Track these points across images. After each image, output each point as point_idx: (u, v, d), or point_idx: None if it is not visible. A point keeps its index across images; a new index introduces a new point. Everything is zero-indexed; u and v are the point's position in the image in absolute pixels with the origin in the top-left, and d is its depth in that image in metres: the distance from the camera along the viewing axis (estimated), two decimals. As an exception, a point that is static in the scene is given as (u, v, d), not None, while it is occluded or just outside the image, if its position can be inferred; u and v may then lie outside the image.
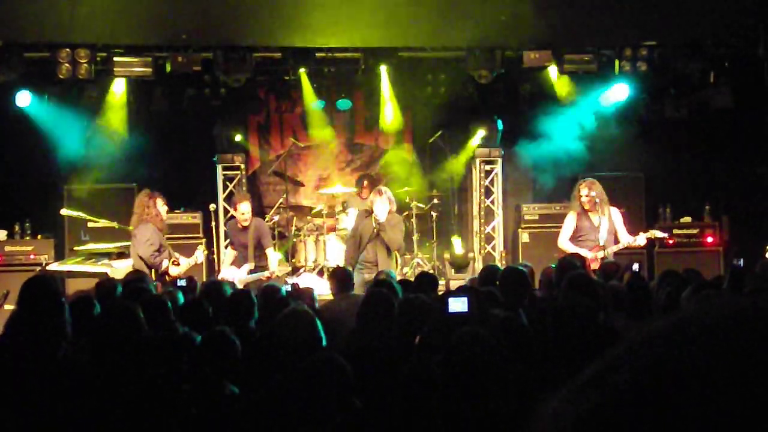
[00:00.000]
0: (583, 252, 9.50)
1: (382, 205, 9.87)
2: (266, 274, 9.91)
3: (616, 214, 9.93)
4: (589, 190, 9.75)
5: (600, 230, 9.78)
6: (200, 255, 9.78)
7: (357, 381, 4.07)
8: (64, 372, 3.95)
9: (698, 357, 0.69)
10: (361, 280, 9.23)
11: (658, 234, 10.29)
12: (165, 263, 9.35)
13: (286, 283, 9.73)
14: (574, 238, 9.89)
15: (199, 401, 4.00)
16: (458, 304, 4.44)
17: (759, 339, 0.69)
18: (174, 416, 3.89)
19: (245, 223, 10.20)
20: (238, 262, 10.29)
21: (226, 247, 11.61)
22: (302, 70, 12.42)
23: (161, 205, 9.69)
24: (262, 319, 5.96)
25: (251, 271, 10.05)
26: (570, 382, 0.75)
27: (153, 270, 9.27)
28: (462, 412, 3.37)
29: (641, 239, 9.86)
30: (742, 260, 11.05)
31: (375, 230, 9.84)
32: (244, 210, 10.20)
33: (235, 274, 9.99)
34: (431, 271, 11.62)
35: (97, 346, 4.43)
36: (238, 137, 12.88)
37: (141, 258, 9.38)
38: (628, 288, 6.48)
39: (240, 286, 9.06)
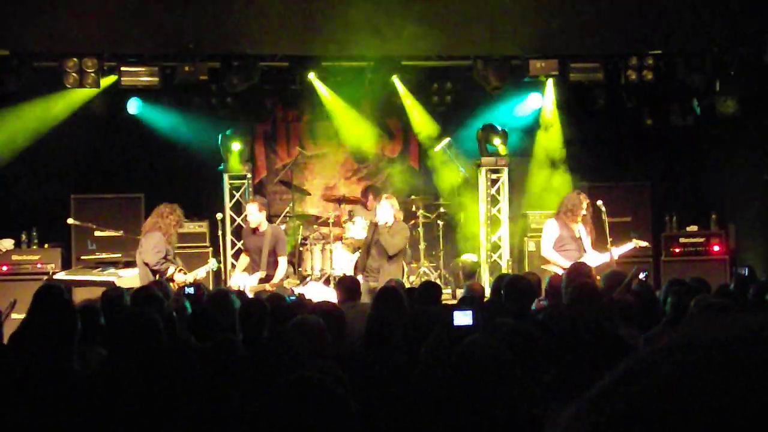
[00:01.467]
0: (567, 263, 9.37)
1: (383, 210, 9.97)
2: (267, 287, 9.86)
3: (589, 226, 9.97)
4: (588, 203, 9.80)
5: (582, 240, 9.81)
6: (202, 272, 9.76)
7: (363, 391, 4.08)
8: (75, 381, 3.95)
9: (710, 376, 0.70)
10: (366, 288, 9.24)
11: (641, 243, 10.34)
12: (171, 269, 9.34)
13: (292, 292, 9.74)
14: (557, 247, 9.81)
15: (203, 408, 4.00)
16: (464, 318, 4.43)
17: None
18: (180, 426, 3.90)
19: (252, 225, 10.16)
20: (250, 269, 10.26)
21: (233, 254, 11.59)
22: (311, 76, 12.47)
23: (177, 220, 9.67)
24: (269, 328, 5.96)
25: (262, 280, 10.02)
26: (580, 396, 0.76)
27: (158, 275, 9.26)
28: (469, 422, 3.37)
29: (615, 254, 9.89)
30: (746, 269, 11.05)
31: (374, 234, 9.92)
32: (248, 210, 10.19)
33: (246, 281, 9.96)
34: (437, 280, 11.63)
35: (115, 354, 4.43)
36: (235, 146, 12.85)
37: (146, 264, 9.37)
38: (635, 296, 6.48)
39: (250, 294, 9.05)
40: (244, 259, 10.46)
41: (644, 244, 10.56)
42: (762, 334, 0.73)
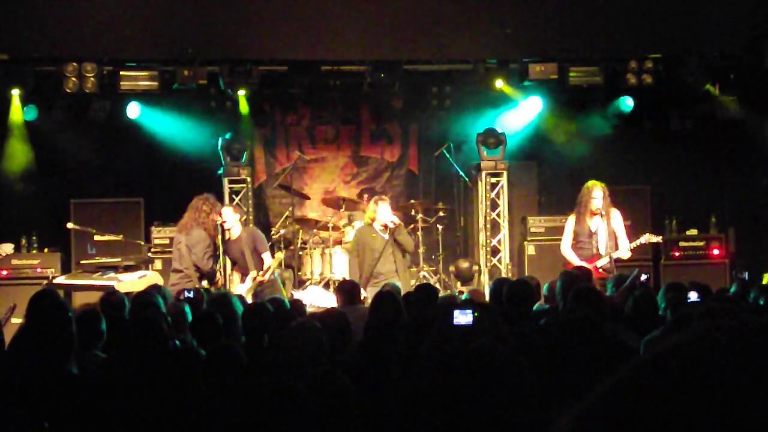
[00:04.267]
0: (584, 263, 9.37)
1: (386, 209, 9.88)
2: (258, 277, 9.79)
3: (617, 217, 9.75)
4: (602, 194, 9.57)
5: (598, 236, 9.62)
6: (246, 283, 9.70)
7: (363, 394, 4.07)
8: (74, 385, 3.95)
9: (715, 374, 0.70)
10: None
11: (654, 238, 10.15)
12: (218, 275, 9.31)
13: (292, 296, 9.73)
14: (573, 244, 9.77)
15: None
16: (463, 317, 4.44)
17: None
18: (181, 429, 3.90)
19: (231, 232, 9.98)
20: (242, 279, 10.21)
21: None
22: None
23: (216, 215, 9.60)
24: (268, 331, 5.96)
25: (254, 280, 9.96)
26: (584, 397, 0.76)
27: (206, 279, 9.21)
28: (473, 425, 3.37)
29: (626, 253, 9.62)
30: (746, 273, 11.04)
31: (390, 236, 9.81)
32: (225, 215, 9.91)
33: (242, 288, 9.93)
34: (437, 284, 11.63)
35: (115, 359, 4.43)
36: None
37: (198, 267, 9.28)
38: (635, 300, 6.47)
39: (249, 298, 9.02)
40: (236, 276, 10.33)
41: (657, 239, 10.37)
42: (764, 334, 0.72)
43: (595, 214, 9.63)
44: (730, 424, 0.67)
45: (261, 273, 9.79)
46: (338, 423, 3.63)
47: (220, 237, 9.78)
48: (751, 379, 0.69)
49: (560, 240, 10.83)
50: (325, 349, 4.59)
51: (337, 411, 3.66)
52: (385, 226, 9.92)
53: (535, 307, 7.01)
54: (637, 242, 9.86)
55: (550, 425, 0.78)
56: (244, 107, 12.52)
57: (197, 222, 9.45)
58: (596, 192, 9.60)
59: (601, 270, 9.49)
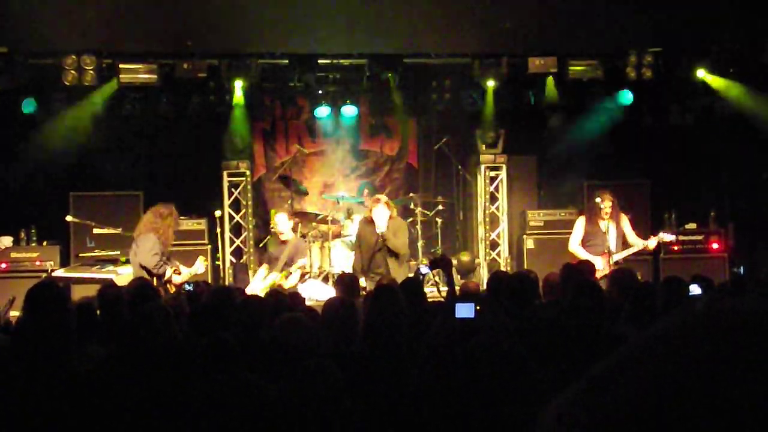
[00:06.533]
0: (594, 259, 9.64)
1: (381, 213, 9.87)
2: (276, 280, 9.83)
3: (624, 221, 10.32)
4: (611, 203, 10.16)
5: (608, 235, 10.08)
6: (200, 266, 9.62)
7: (365, 385, 4.07)
8: (71, 378, 3.95)
9: (706, 359, 0.69)
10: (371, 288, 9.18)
11: (667, 237, 10.51)
12: (168, 272, 9.20)
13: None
14: (584, 243, 10.26)
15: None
16: (465, 310, 4.45)
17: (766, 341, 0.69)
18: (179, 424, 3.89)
19: (281, 237, 10.17)
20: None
21: (232, 252, 11.53)
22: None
23: (174, 221, 9.48)
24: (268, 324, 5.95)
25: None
26: (574, 385, 0.75)
27: (155, 279, 9.15)
28: (473, 419, 3.36)
29: (653, 242, 10.31)
30: (743, 267, 11.06)
31: (379, 240, 9.84)
32: (279, 220, 10.24)
33: (256, 285, 9.94)
34: (436, 278, 11.61)
35: (113, 351, 4.43)
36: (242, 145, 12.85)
37: (143, 267, 9.22)
38: (634, 294, 6.47)
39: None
40: (263, 270, 10.37)
41: (670, 238, 10.84)
42: (763, 315, 0.72)
43: (605, 218, 10.19)
44: (725, 406, 0.67)
45: (280, 282, 9.81)
46: (328, 415, 3.63)
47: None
48: (748, 361, 0.68)
49: (560, 234, 10.95)
50: (317, 342, 4.59)
51: (327, 403, 3.66)
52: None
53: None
54: (656, 239, 10.41)
55: (544, 409, 0.77)
56: (243, 101, 12.53)
57: (152, 226, 9.29)
58: (606, 200, 10.19)
59: (612, 265, 9.87)
